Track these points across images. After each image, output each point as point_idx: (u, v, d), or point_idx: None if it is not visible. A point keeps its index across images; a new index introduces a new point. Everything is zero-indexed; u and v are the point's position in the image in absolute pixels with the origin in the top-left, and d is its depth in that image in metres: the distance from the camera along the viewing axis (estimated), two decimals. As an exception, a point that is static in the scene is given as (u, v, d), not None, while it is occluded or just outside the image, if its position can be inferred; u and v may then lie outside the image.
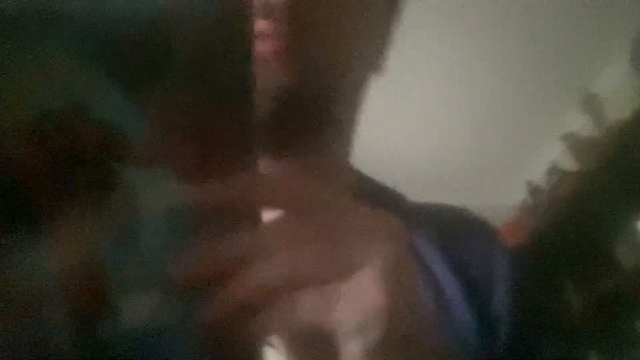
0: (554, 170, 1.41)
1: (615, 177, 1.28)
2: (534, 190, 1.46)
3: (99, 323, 0.22)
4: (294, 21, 0.34)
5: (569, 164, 1.37)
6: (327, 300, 0.23)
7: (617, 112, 1.28)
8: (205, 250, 0.23)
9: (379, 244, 0.25)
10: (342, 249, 0.24)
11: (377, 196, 0.34)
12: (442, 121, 1.38)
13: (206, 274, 0.23)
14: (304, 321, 0.23)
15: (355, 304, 0.23)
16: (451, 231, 0.35)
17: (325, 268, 0.24)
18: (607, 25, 1.25)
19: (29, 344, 0.22)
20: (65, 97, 0.22)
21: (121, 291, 0.22)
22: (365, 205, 0.26)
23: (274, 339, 0.26)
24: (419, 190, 0.44)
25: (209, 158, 0.23)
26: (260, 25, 0.34)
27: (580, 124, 1.36)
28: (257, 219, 0.24)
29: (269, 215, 0.24)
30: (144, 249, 0.23)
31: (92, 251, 0.22)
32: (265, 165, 0.25)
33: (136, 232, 0.22)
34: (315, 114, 0.36)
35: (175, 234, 0.23)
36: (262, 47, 0.33)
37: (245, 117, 0.24)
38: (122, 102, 0.22)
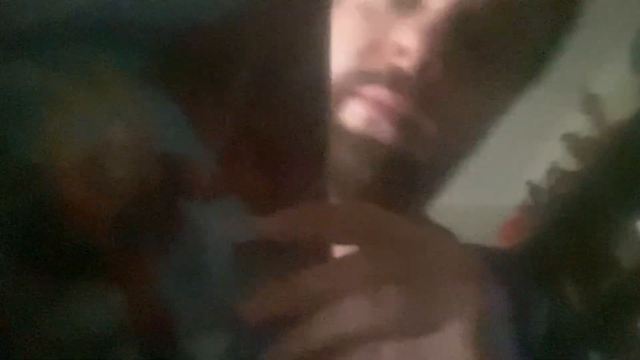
0: (554, 170, 1.41)
1: (615, 177, 1.28)
2: (534, 190, 1.46)
3: None
4: (419, 96, 0.34)
5: (569, 164, 1.37)
6: (411, 356, 0.21)
7: (617, 112, 1.28)
8: (275, 289, 0.21)
9: (471, 291, 0.22)
10: (428, 294, 0.22)
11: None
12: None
13: (276, 315, 0.21)
14: None
15: None
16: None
17: (409, 316, 0.22)
18: (607, 25, 1.25)
19: None
20: (127, 127, 0.19)
21: (190, 333, 0.21)
22: (450, 244, 0.24)
23: None
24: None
25: (280, 190, 0.22)
26: (379, 92, 0.33)
27: (580, 124, 1.36)
28: (330, 254, 0.22)
29: (343, 250, 0.22)
30: (212, 288, 0.21)
31: (159, 292, 0.20)
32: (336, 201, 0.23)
33: (204, 270, 0.21)
34: (408, 173, 0.35)
35: (243, 270, 0.21)
36: (373, 112, 0.33)
37: (318, 150, 0.22)
38: (187, 132, 0.20)
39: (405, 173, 0.33)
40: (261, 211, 0.21)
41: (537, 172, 1.45)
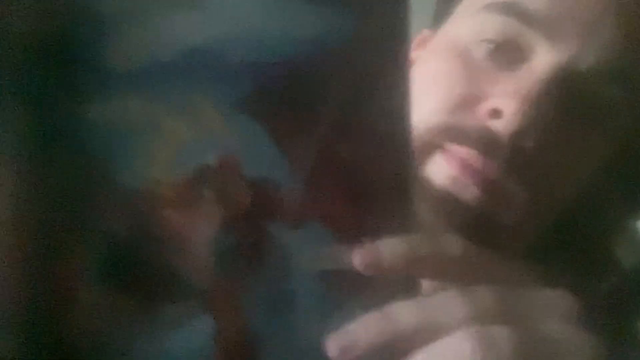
0: (554, 170, 1.41)
1: (615, 177, 1.28)
2: (533, 190, 1.46)
3: None
4: (510, 162, 0.34)
5: (569, 163, 1.37)
6: None
7: (617, 112, 1.28)
8: (366, 322, 0.21)
9: (576, 334, 0.23)
10: (536, 336, 0.22)
11: None
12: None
13: (368, 352, 0.21)
14: None
15: None
16: None
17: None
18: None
19: None
20: (222, 155, 0.22)
21: None
22: (539, 281, 0.24)
23: None
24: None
25: (365, 219, 0.22)
26: (468, 153, 0.33)
27: (580, 124, 1.36)
28: (420, 287, 0.22)
29: (433, 285, 0.22)
30: (298, 317, 0.22)
31: (247, 320, 0.21)
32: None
33: (291, 297, 0.21)
34: (488, 236, 0.35)
35: (330, 299, 0.21)
36: (459, 171, 0.32)
37: (404, 182, 0.23)
38: (277, 160, 0.22)
39: (486, 235, 0.33)
40: (347, 240, 0.22)
41: (537, 172, 1.45)
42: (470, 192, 0.33)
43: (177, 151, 0.22)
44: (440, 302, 0.22)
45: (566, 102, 0.33)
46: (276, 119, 0.22)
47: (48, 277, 0.22)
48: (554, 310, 0.23)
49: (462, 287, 0.23)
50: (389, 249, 0.23)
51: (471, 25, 0.37)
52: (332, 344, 0.21)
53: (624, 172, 1.30)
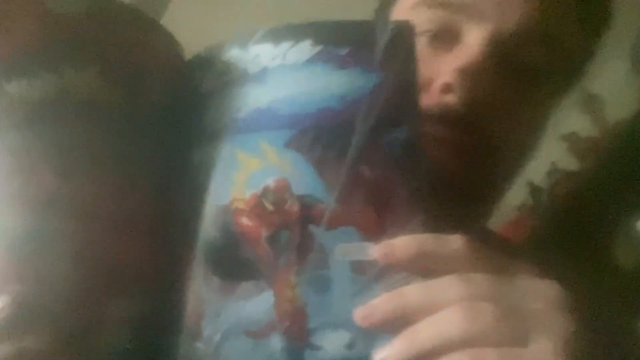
0: (554, 170, 1.40)
1: (615, 177, 1.28)
2: (534, 190, 1.46)
3: (306, 354, 0.28)
4: (467, 126, 0.37)
5: (569, 164, 1.37)
6: None
7: (617, 112, 1.27)
8: (385, 298, 0.27)
9: (554, 315, 0.26)
10: (518, 313, 0.25)
11: None
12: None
13: (386, 320, 0.26)
14: None
15: None
16: None
17: (502, 330, 0.25)
18: (607, 25, 1.25)
19: None
20: (278, 179, 0.29)
21: (319, 329, 0.28)
22: (535, 271, 0.28)
23: None
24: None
25: (386, 219, 0.29)
26: (433, 128, 0.37)
27: (580, 124, 1.35)
28: (430, 275, 0.27)
29: (441, 273, 0.27)
30: (335, 295, 0.28)
31: (297, 295, 0.28)
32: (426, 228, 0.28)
33: (328, 280, 0.28)
34: (467, 192, 0.39)
35: (357, 281, 0.28)
36: (430, 146, 0.36)
37: (416, 193, 0.29)
38: (316, 180, 0.29)
39: (465, 192, 0.37)
40: (371, 238, 0.28)
41: (537, 172, 1.45)
42: (442, 160, 0.38)
43: (248, 178, 0.30)
44: (440, 284, 0.27)
45: (499, 67, 0.38)
46: (316, 153, 0.29)
47: (174, 266, 0.31)
48: (538, 295, 0.26)
49: (459, 274, 0.27)
50: (401, 244, 0.28)
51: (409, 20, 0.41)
52: (358, 313, 0.27)
53: (624, 172, 1.30)
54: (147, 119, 0.31)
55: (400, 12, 0.43)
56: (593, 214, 1.42)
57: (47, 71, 0.28)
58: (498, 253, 0.28)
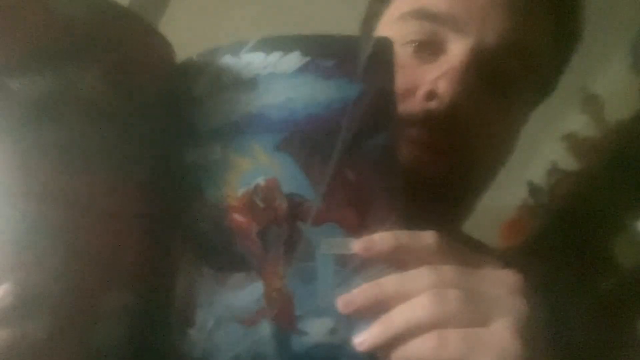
0: (554, 170, 1.41)
1: (615, 177, 1.28)
2: (534, 190, 1.46)
3: (293, 339, 0.30)
4: (449, 131, 0.39)
5: (569, 164, 1.38)
6: (468, 342, 0.27)
7: (617, 112, 1.28)
8: (364, 288, 0.30)
9: (511, 299, 0.28)
10: (480, 298, 0.28)
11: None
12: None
13: (365, 307, 0.29)
14: (447, 358, 0.27)
15: (492, 351, 0.27)
16: None
17: (465, 313, 0.28)
18: (607, 25, 1.25)
19: (246, 351, 0.31)
20: (268, 178, 0.31)
21: (305, 315, 0.30)
22: (495, 261, 0.31)
23: None
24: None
25: (366, 217, 0.31)
26: (417, 132, 0.39)
27: (580, 124, 1.36)
28: (404, 267, 0.30)
29: (414, 265, 0.30)
30: (320, 285, 0.31)
31: (285, 284, 0.31)
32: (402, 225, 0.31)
33: (314, 272, 0.31)
34: (444, 194, 0.42)
35: (341, 273, 0.31)
36: (414, 150, 0.38)
37: (393, 192, 0.32)
38: (303, 180, 0.31)
39: (443, 193, 0.39)
40: (352, 234, 0.31)
41: (537, 172, 1.46)
42: (425, 164, 0.40)
43: (241, 177, 0.32)
44: (413, 275, 0.29)
45: (479, 77, 0.40)
46: (303, 155, 0.31)
47: (166, 258, 0.33)
48: (498, 282, 0.29)
49: (430, 266, 0.29)
50: (379, 239, 0.30)
51: (394, 32, 0.44)
52: (341, 300, 0.29)
53: (624, 172, 1.31)
54: (141, 119, 0.33)
55: (387, 23, 0.45)
56: (593, 214, 1.43)
57: (48, 69, 0.29)
58: (465, 248, 0.30)
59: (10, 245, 0.28)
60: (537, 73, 0.44)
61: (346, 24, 0.47)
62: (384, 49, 0.33)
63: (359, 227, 0.31)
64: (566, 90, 1.35)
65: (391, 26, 0.44)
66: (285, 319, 0.30)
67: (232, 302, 0.31)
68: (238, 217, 0.32)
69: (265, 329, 0.30)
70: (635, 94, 1.24)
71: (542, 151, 1.61)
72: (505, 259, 0.38)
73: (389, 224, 0.31)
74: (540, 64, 0.44)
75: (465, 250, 0.30)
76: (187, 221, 0.34)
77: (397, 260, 0.30)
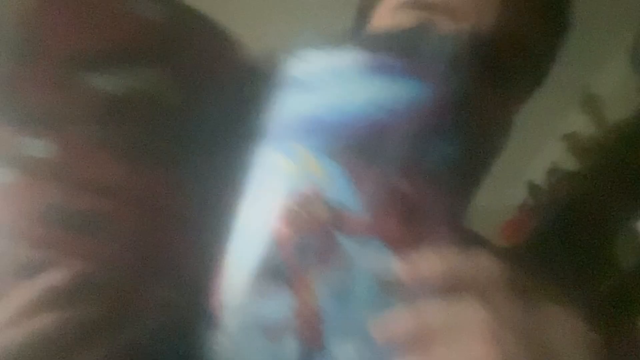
0: (554, 170, 1.41)
1: (616, 177, 1.29)
2: (534, 190, 1.46)
3: (315, 358, 0.28)
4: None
5: (569, 164, 1.38)
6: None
7: (617, 112, 1.29)
8: (401, 315, 0.26)
9: (578, 357, 0.25)
10: (541, 348, 0.24)
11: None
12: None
13: (399, 337, 0.26)
14: None
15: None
16: None
17: None
18: (607, 25, 1.26)
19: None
20: (314, 186, 0.29)
21: (334, 336, 0.27)
22: (564, 301, 0.27)
23: None
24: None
25: (415, 235, 0.28)
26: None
27: (580, 124, 1.37)
28: (451, 294, 0.27)
29: (461, 292, 0.26)
30: (354, 304, 0.28)
31: (317, 301, 0.28)
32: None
33: (350, 289, 0.28)
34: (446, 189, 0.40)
35: (379, 294, 0.27)
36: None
37: (454, 206, 0.29)
38: (350, 189, 0.28)
39: (444, 189, 0.38)
40: (397, 252, 0.27)
41: (537, 172, 1.46)
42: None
43: (286, 183, 0.30)
44: (462, 305, 0.25)
45: (474, 66, 0.40)
46: (354, 163, 0.29)
47: (209, 258, 0.32)
48: (561, 329, 0.25)
49: (482, 296, 0.25)
50: (428, 262, 0.26)
51: (391, 22, 0.44)
52: (376, 326, 0.26)
53: (624, 172, 1.31)
54: (202, 121, 0.33)
55: (383, 13, 0.45)
56: (593, 214, 1.43)
57: (124, 68, 0.30)
58: (522, 273, 0.27)
59: (71, 233, 0.28)
60: (530, 61, 0.44)
61: (339, 15, 0.47)
62: (458, 46, 0.30)
63: (406, 246, 0.27)
64: (566, 90, 1.36)
65: (387, 16, 0.45)
66: (312, 336, 0.28)
67: (259, 310, 0.29)
68: (278, 224, 0.29)
69: (289, 343, 0.28)
70: (635, 94, 1.25)
71: (542, 151, 1.61)
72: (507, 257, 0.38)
73: (442, 245, 0.27)
74: (534, 52, 0.44)
75: (523, 277, 0.26)
76: (230, 224, 0.32)
77: (445, 286, 0.26)
